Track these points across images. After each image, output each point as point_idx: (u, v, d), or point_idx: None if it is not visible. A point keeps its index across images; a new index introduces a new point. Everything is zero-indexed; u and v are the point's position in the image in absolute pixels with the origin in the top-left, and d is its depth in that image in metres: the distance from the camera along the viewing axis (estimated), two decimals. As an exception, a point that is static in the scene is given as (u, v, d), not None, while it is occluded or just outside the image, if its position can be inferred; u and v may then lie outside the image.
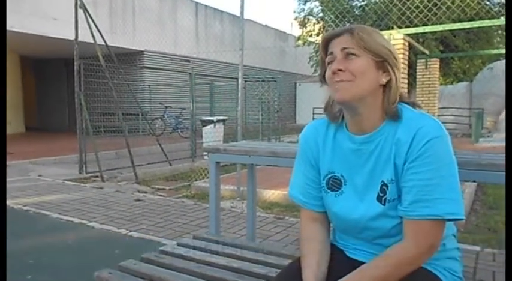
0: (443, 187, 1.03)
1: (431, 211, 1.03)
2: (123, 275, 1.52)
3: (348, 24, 1.17)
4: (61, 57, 14.48)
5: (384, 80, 1.11)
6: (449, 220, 1.05)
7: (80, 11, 6.48)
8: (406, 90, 6.92)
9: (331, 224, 1.30)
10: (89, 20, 6.49)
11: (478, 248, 3.02)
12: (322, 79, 1.18)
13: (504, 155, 1.67)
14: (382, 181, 1.12)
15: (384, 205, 1.11)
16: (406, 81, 6.77)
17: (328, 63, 1.14)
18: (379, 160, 1.12)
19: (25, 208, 4.25)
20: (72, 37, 6.71)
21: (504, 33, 13.41)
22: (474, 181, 1.48)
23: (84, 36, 6.54)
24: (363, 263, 1.12)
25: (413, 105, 1.15)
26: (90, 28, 6.50)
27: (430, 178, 1.03)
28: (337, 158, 1.21)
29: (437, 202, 1.02)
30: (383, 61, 1.10)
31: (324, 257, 1.18)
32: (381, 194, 1.12)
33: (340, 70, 1.10)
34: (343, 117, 1.20)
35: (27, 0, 10.15)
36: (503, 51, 10.37)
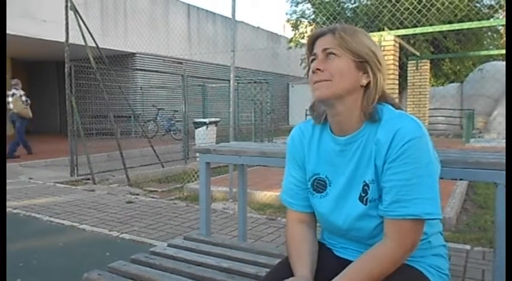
0: (422, 186, 1.04)
1: (410, 211, 1.04)
2: (113, 277, 1.51)
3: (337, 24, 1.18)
4: (52, 59, 14.38)
5: (364, 81, 1.12)
6: (427, 219, 1.06)
7: (71, 13, 6.45)
8: (396, 91, 6.96)
9: (318, 225, 1.30)
10: (80, 21, 6.46)
11: (468, 247, 3.05)
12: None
13: (491, 154, 1.69)
14: (364, 181, 1.13)
15: (366, 205, 1.12)
16: (397, 82, 6.81)
17: (311, 62, 1.15)
18: (361, 160, 1.13)
19: (15, 211, 4.22)
20: (62, 39, 6.67)
21: (494, 35, 13.58)
22: (461, 179, 1.50)
23: (75, 38, 6.51)
24: (351, 261, 1.12)
25: (394, 105, 1.15)
26: (81, 30, 6.46)
27: (408, 178, 1.04)
28: (322, 160, 1.22)
29: (416, 202, 1.03)
30: (363, 62, 1.11)
31: (314, 256, 1.19)
32: (363, 194, 1.13)
33: (319, 70, 1.11)
34: (327, 118, 1.21)
35: (16, 1, 10.06)
36: (493, 52, 10.50)
